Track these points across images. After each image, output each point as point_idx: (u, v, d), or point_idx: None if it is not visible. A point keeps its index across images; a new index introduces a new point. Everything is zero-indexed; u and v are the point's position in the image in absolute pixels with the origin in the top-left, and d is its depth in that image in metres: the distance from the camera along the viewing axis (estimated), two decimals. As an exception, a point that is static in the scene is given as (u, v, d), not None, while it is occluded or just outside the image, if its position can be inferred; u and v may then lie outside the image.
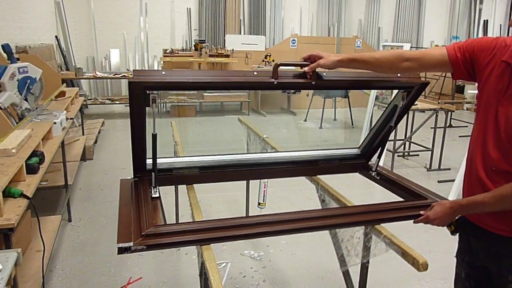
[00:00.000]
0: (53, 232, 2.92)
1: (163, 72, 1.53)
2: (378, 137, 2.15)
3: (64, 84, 5.23)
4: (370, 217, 1.65)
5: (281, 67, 1.59)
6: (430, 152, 5.66)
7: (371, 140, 2.20)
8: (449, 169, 5.50)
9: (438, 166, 5.51)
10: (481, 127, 1.38)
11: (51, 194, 4.08)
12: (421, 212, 1.56)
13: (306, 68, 1.57)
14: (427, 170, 5.52)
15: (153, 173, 1.68)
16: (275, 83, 1.59)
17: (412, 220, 1.61)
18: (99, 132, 6.50)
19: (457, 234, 1.58)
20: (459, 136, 7.36)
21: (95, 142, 6.03)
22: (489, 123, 1.34)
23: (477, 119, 1.42)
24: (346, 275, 2.14)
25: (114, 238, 3.60)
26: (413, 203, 1.72)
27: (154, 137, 1.66)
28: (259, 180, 3.21)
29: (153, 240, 1.38)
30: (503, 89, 1.31)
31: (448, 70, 1.46)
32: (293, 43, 9.74)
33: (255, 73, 1.62)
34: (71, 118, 3.85)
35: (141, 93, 1.49)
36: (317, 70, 1.61)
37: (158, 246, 1.38)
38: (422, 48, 10.04)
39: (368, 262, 1.78)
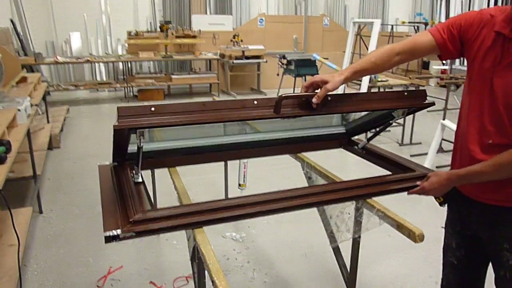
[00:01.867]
0: (25, 225, 2.77)
1: (152, 109, 1.31)
2: (367, 122, 2.11)
3: (25, 70, 4.96)
4: (361, 191, 1.62)
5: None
6: (401, 127, 5.74)
7: (358, 122, 2.17)
8: (420, 143, 5.61)
9: (410, 141, 5.61)
10: (475, 101, 1.37)
11: (18, 186, 3.89)
12: (418, 183, 1.54)
13: (314, 100, 1.46)
14: (400, 145, 5.61)
15: (139, 158, 1.58)
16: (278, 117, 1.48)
17: (406, 192, 1.60)
18: (64, 120, 6.22)
19: (445, 205, 1.60)
20: (427, 111, 7.52)
21: (61, 130, 5.78)
22: (484, 96, 1.33)
23: (470, 94, 1.39)
24: (336, 251, 2.13)
25: (89, 227, 3.50)
26: (403, 176, 1.71)
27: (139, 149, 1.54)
28: (238, 161, 3.15)
29: (142, 226, 1.30)
30: (497, 60, 1.28)
31: (436, 53, 1.45)
32: (261, 22, 9.61)
33: (255, 102, 1.44)
34: (35, 105, 3.65)
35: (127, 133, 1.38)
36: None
37: (148, 232, 1.31)
38: (388, 25, 10.14)
39: (359, 237, 1.77)
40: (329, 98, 1.51)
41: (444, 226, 1.67)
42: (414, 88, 5.46)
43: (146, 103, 1.28)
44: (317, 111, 1.49)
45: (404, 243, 3.09)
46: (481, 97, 1.34)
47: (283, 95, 1.44)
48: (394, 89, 6.69)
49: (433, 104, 1.71)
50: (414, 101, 1.65)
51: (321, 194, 1.58)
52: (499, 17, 1.30)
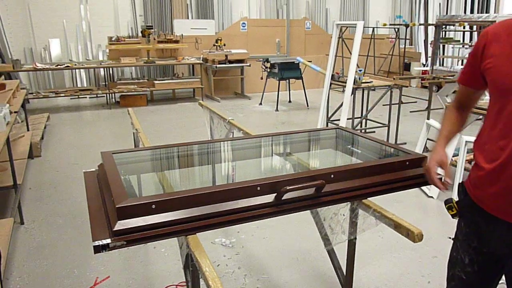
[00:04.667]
0: (6, 237, 2.66)
1: (153, 206, 1.29)
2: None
3: (3, 77, 4.82)
4: (356, 192, 1.58)
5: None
6: (386, 128, 5.77)
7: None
8: (405, 143, 5.64)
9: (395, 141, 5.64)
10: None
11: (-3, 196, 3.77)
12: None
13: (449, 181, 1.48)
14: (385, 146, 5.62)
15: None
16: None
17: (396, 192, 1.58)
18: (45, 128, 6.08)
19: (457, 218, 1.51)
20: (410, 112, 7.58)
21: (42, 138, 5.63)
22: None
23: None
24: (332, 253, 2.09)
25: (74, 237, 3.39)
26: (395, 175, 1.68)
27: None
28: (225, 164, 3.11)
29: (133, 235, 1.24)
30: None
31: (479, 93, 1.51)
32: (243, 26, 9.59)
33: (258, 188, 1.44)
34: (15, 112, 3.54)
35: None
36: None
37: (139, 240, 1.25)
38: (369, 27, 10.23)
39: (355, 238, 1.74)
40: (332, 176, 1.56)
41: (452, 237, 1.57)
42: (397, 88, 5.50)
43: (145, 201, 1.24)
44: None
45: (396, 243, 3.10)
46: None
47: (287, 188, 1.44)
48: (377, 90, 6.75)
49: None
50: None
51: (314, 198, 1.54)
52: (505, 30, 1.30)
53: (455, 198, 1.49)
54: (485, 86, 1.41)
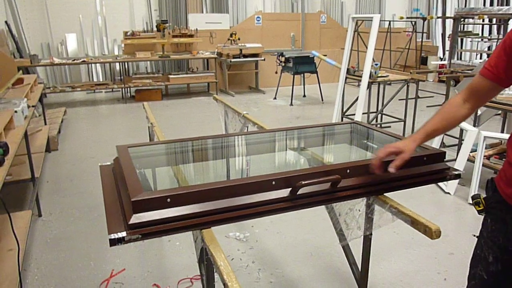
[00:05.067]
0: (24, 229, 2.71)
1: (168, 200, 1.30)
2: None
3: (21, 71, 4.89)
4: (373, 188, 1.56)
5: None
6: (402, 123, 5.70)
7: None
8: (422, 138, 5.55)
9: (411, 136, 5.56)
10: None
11: (16, 189, 3.83)
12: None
13: (392, 170, 1.47)
14: (401, 141, 5.56)
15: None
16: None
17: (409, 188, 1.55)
18: (62, 122, 6.17)
19: (484, 214, 1.47)
20: (427, 106, 7.49)
21: (59, 132, 5.72)
22: None
23: None
24: (347, 249, 2.08)
25: (90, 230, 3.44)
26: (411, 170, 1.65)
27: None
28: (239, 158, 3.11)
29: (148, 228, 1.24)
30: None
31: (500, 88, 1.42)
32: (258, 20, 9.55)
33: (273, 182, 1.43)
34: (32, 106, 3.59)
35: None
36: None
37: (155, 234, 1.25)
38: (385, 21, 10.09)
39: (371, 234, 1.72)
40: (348, 171, 1.53)
41: (477, 235, 1.52)
42: (414, 82, 5.41)
43: (160, 195, 1.25)
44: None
45: (412, 240, 3.07)
46: None
47: (302, 183, 1.42)
48: (393, 84, 6.66)
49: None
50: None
51: (331, 193, 1.52)
52: None
53: (483, 194, 1.46)
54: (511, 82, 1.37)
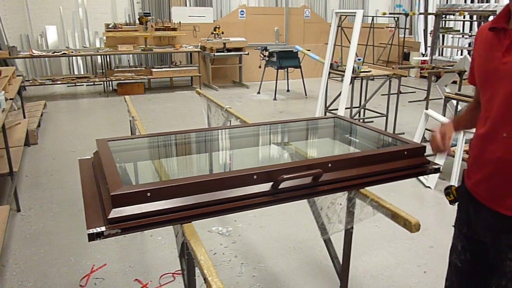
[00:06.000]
0: (2, 224, 2.65)
1: (148, 194, 1.28)
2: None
3: (-2, 64, 4.77)
4: (354, 182, 1.57)
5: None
6: (384, 118, 5.75)
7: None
8: (403, 133, 5.63)
9: (393, 131, 5.62)
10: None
11: (-6, 184, 3.75)
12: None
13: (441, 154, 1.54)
14: (383, 136, 5.61)
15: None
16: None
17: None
18: (41, 115, 6.05)
19: (456, 204, 1.54)
20: (409, 102, 7.57)
21: (38, 125, 5.60)
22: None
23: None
24: (328, 242, 2.09)
25: (71, 225, 3.38)
26: (393, 164, 1.67)
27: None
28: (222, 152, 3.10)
29: (127, 223, 1.23)
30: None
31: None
32: (242, 14, 9.51)
33: (255, 177, 1.43)
34: (10, 99, 3.51)
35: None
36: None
37: (134, 228, 1.24)
38: (369, 16, 10.14)
39: (352, 227, 1.73)
40: (330, 165, 1.54)
41: (454, 225, 1.59)
42: (396, 78, 5.46)
43: (140, 189, 1.23)
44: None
45: (393, 233, 3.11)
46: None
47: (284, 177, 1.42)
48: (376, 80, 6.71)
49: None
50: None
51: (312, 187, 1.53)
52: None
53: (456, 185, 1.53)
54: None
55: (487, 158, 1.33)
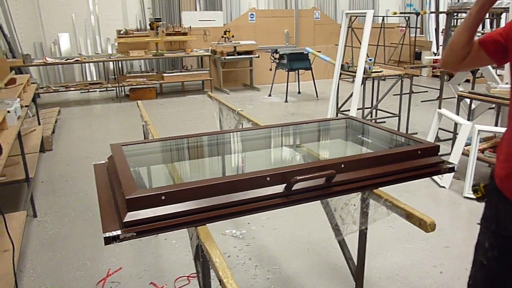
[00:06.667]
0: (19, 230, 2.69)
1: (163, 197, 1.30)
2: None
3: (13, 72, 4.85)
4: (368, 182, 1.57)
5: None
6: (397, 118, 5.71)
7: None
8: (416, 133, 5.58)
9: (406, 131, 5.58)
10: None
11: (10, 190, 3.81)
12: None
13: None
14: (396, 136, 5.57)
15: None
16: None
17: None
18: (56, 122, 6.13)
19: (484, 201, 1.51)
20: (421, 101, 7.51)
21: (53, 132, 5.68)
22: None
23: None
24: (342, 243, 2.08)
25: (86, 230, 3.42)
26: (406, 164, 1.65)
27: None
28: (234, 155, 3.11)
29: (142, 226, 1.24)
30: None
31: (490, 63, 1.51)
32: (252, 17, 9.53)
33: (268, 178, 1.44)
34: (26, 106, 3.56)
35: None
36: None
37: (149, 231, 1.25)
38: (379, 16, 10.09)
39: (366, 228, 1.72)
40: (343, 166, 1.54)
41: (479, 222, 1.55)
42: (408, 78, 5.42)
43: (154, 192, 1.25)
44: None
45: (407, 234, 3.08)
46: None
47: (297, 178, 1.42)
48: (387, 80, 6.67)
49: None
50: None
51: (326, 188, 1.52)
52: None
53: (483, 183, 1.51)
54: (502, 61, 1.44)
55: None
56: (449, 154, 4.02)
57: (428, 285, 2.55)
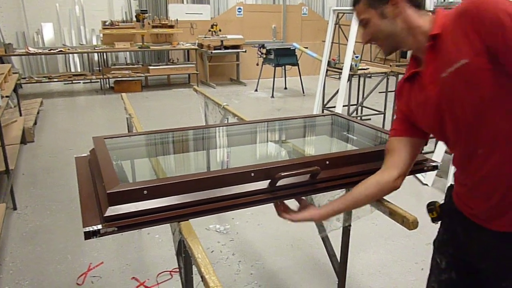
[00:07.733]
0: (-2, 222, 2.64)
1: (145, 192, 1.26)
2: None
3: (-6, 61, 4.74)
4: (350, 179, 1.57)
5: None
6: (382, 115, 5.76)
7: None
8: (401, 130, 5.62)
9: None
10: None
11: (-11, 182, 3.73)
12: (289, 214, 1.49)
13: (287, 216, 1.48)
14: (380, 133, 5.61)
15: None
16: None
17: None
18: (38, 113, 6.02)
19: (439, 222, 1.41)
20: (406, 99, 7.57)
21: (35, 123, 5.58)
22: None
23: None
24: (326, 240, 2.08)
25: (68, 223, 3.37)
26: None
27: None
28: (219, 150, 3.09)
29: (124, 221, 1.22)
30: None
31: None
32: (239, 11, 9.48)
33: (252, 174, 1.40)
34: (6, 96, 3.48)
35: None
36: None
37: (131, 226, 1.23)
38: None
39: (350, 225, 1.73)
40: (327, 163, 1.51)
41: (433, 243, 1.46)
42: (394, 75, 5.46)
43: (137, 186, 1.22)
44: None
45: (390, 230, 3.11)
46: None
47: (281, 175, 1.40)
48: (373, 77, 6.70)
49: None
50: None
51: (310, 185, 1.52)
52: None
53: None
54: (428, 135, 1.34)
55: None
56: (433, 152, 4.07)
57: (410, 281, 2.58)
